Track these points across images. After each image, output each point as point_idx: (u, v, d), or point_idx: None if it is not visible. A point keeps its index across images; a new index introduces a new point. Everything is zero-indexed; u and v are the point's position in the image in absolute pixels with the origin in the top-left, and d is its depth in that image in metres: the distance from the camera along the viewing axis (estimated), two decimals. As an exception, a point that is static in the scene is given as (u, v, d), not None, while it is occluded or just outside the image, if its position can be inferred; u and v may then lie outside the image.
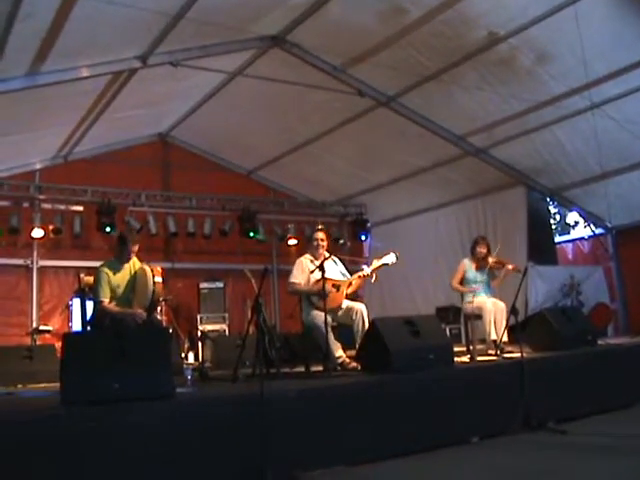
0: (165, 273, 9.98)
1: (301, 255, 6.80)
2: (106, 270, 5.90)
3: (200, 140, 11.85)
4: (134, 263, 6.08)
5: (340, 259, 6.86)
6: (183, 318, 9.88)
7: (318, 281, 6.16)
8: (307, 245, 6.93)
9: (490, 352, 6.96)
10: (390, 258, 6.58)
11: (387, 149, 10.61)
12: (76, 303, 9.25)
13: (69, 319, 9.69)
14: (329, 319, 6.00)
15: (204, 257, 11.80)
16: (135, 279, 5.97)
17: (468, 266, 7.63)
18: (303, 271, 6.52)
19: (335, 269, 6.68)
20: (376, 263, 6.54)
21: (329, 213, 13.19)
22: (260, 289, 5.32)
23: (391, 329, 5.56)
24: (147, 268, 5.99)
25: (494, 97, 8.61)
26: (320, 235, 6.72)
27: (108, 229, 10.34)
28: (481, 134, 9.77)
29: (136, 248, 6.04)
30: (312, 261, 6.57)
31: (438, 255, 11.59)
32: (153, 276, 5.94)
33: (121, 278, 5.95)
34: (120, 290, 5.91)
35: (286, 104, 9.61)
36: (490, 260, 7.51)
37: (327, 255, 6.54)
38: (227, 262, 11.82)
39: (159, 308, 9.02)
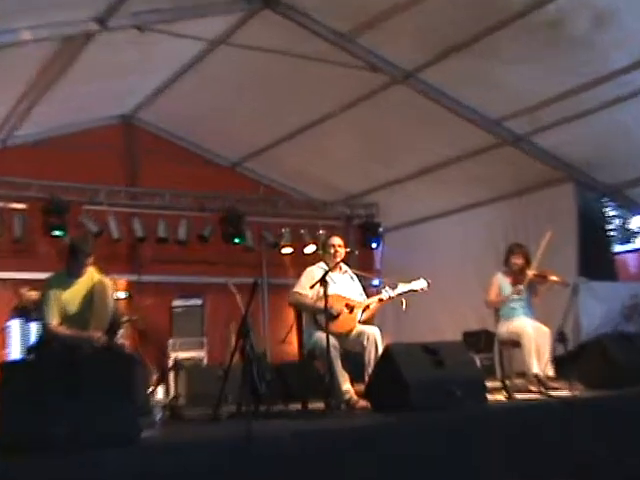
0: (130, 287, 9.97)
1: (304, 265, 6.90)
2: (54, 285, 5.86)
3: (174, 124, 11.86)
4: (92, 274, 6.04)
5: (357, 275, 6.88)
6: (151, 343, 9.83)
7: (327, 296, 6.14)
8: (318, 254, 7.08)
9: (531, 389, 6.97)
10: (420, 284, 6.71)
11: (404, 136, 10.60)
12: (15, 325, 9.17)
13: (5, 344, 9.60)
14: (336, 344, 5.98)
15: (178, 268, 11.77)
16: (92, 295, 5.94)
17: (502, 281, 7.63)
18: (312, 281, 6.51)
19: (351, 286, 6.78)
20: (402, 287, 6.64)
21: (332, 215, 13.17)
22: (248, 308, 5.31)
23: (409, 358, 5.61)
24: (107, 281, 5.96)
25: (539, 71, 8.58)
26: (337, 241, 6.85)
27: (57, 232, 10.23)
28: (521, 118, 9.74)
29: (91, 260, 6.00)
30: (325, 271, 6.58)
31: (467, 268, 11.55)
32: (115, 291, 5.91)
33: (73, 294, 5.91)
34: (72, 309, 5.87)
35: (280, 81, 9.60)
36: (529, 273, 7.48)
37: (344, 268, 6.56)
38: (207, 274, 11.81)
39: (121, 331, 8.95)
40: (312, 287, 6.36)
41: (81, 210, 10.79)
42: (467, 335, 10.37)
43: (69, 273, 5.97)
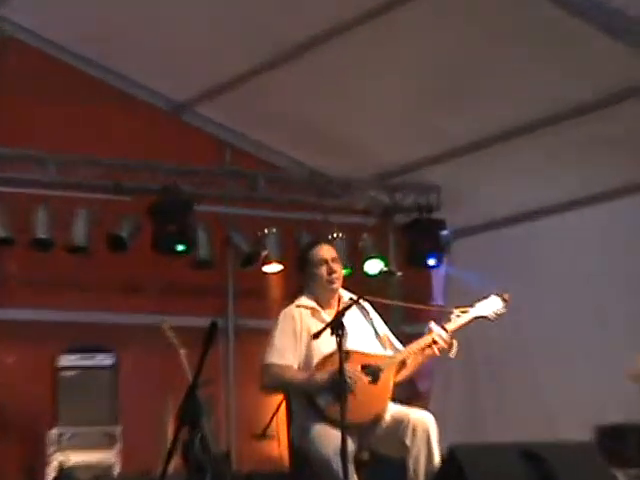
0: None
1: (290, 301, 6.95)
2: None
3: (73, 35, 11.93)
4: None
5: (372, 304, 6.96)
6: (16, 435, 9.87)
7: (330, 357, 6.19)
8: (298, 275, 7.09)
9: None
10: (491, 305, 6.81)
11: (491, 64, 10.58)
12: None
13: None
14: (351, 445, 5.95)
15: (70, 296, 11.89)
16: None
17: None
18: (296, 336, 6.58)
19: (364, 328, 6.82)
20: (460, 319, 6.70)
21: (357, 205, 13.20)
22: (199, 370, 5.27)
23: (491, 470, 5.64)
24: None
25: None
26: (326, 252, 6.87)
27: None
28: None
29: None
30: (315, 311, 6.70)
31: (604, 307, 11.55)
32: None
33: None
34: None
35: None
36: None
37: (347, 298, 6.67)
38: (123, 309, 11.96)
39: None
40: (316, 337, 6.22)
41: None
42: (603, 432, 10.38)
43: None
